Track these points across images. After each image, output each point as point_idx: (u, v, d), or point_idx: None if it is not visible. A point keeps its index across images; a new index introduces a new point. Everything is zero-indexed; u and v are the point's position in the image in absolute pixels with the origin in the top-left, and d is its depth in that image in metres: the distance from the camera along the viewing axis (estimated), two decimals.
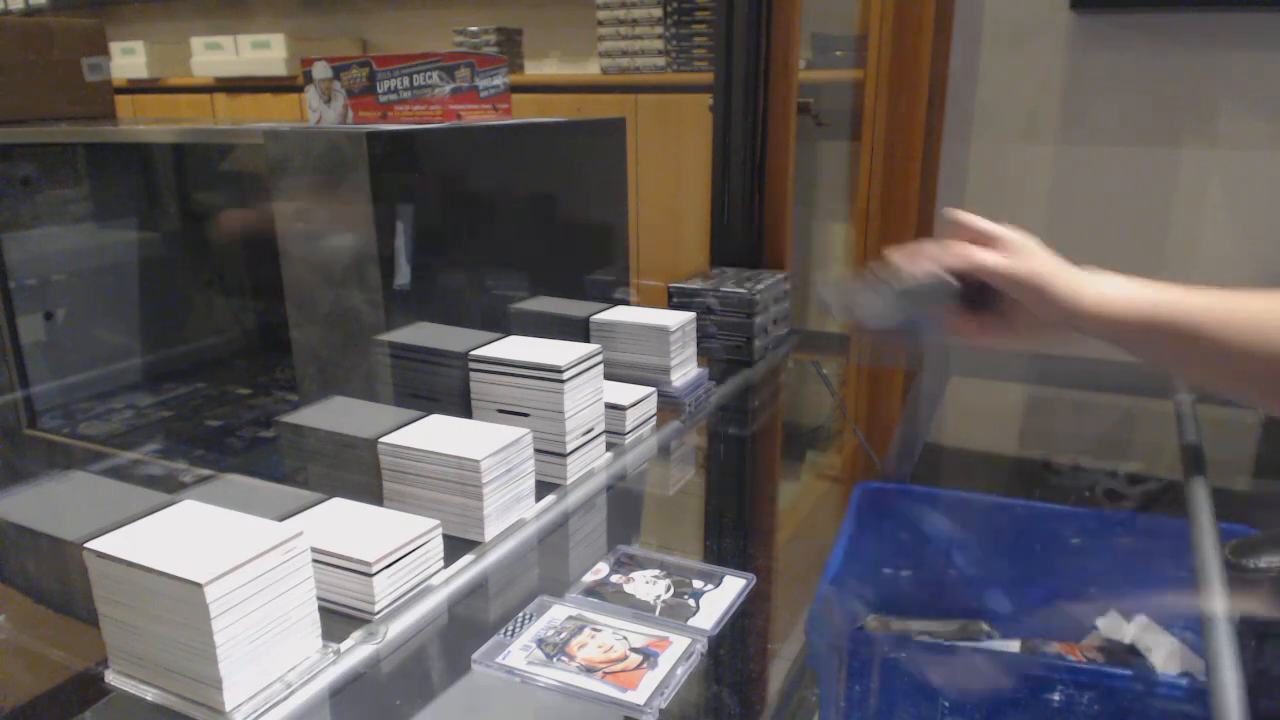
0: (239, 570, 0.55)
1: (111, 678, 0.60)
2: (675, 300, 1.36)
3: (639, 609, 0.70)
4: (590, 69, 2.82)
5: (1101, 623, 0.90)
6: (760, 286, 1.35)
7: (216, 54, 3.31)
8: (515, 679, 0.63)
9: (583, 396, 0.92)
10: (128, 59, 3.44)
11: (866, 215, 2.17)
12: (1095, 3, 2.03)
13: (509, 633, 0.67)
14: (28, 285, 1.36)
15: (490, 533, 0.80)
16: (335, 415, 0.93)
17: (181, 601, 0.55)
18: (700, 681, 0.64)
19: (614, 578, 0.75)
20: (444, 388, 0.96)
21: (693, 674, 0.64)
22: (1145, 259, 2.12)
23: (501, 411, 0.94)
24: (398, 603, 0.70)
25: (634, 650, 0.65)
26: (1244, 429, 1.22)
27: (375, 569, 0.67)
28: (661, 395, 1.10)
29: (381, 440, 0.81)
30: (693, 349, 1.18)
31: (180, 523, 0.61)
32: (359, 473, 0.84)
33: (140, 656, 0.59)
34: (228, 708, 0.57)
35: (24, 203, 1.37)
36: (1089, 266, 0.69)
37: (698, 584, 0.74)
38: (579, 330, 1.15)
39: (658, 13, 2.55)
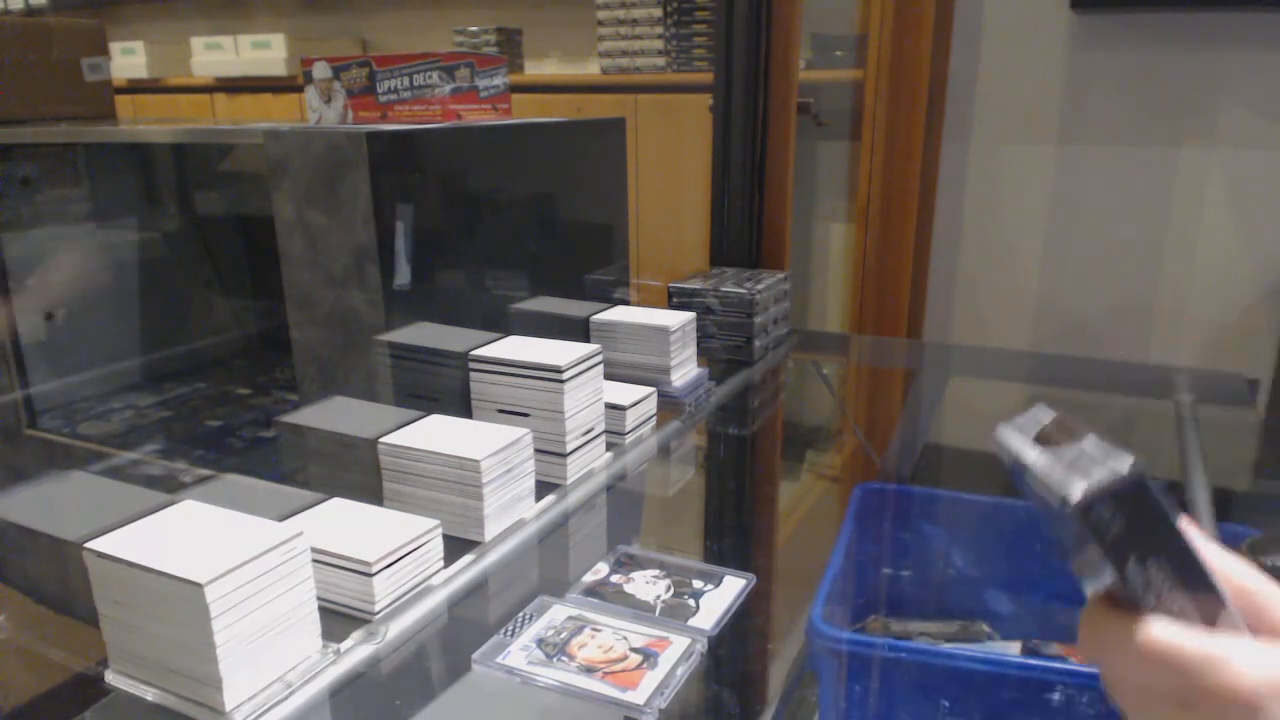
0: (239, 570, 0.55)
1: (111, 678, 0.60)
2: (675, 300, 1.36)
3: (639, 609, 0.70)
4: (590, 69, 2.82)
5: None
6: (760, 286, 1.35)
7: (216, 54, 3.31)
8: (515, 679, 0.63)
9: (583, 396, 0.92)
10: (128, 59, 3.44)
11: (866, 215, 2.17)
12: (1095, 3, 2.03)
13: (509, 633, 0.67)
14: (28, 285, 1.36)
15: (490, 533, 0.80)
16: (335, 415, 0.93)
17: (181, 601, 0.54)
18: (700, 681, 0.64)
19: (614, 578, 0.75)
20: (444, 388, 0.96)
21: (693, 674, 0.64)
22: (1145, 259, 2.12)
23: (501, 411, 0.94)
24: (398, 603, 0.70)
25: (634, 650, 0.65)
26: (1244, 429, 1.22)
27: (375, 569, 0.67)
28: (661, 395, 1.10)
29: (381, 440, 0.81)
30: (693, 349, 1.18)
31: (180, 523, 0.61)
32: (359, 473, 0.84)
33: (140, 656, 0.59)
34: (228, 708, 0.57)
35: (24, 203, 1.37)
36: None
37: (698, 584, 0.74)
38: (579, 330, 1.15)
39: (658, 13, 2.55)
